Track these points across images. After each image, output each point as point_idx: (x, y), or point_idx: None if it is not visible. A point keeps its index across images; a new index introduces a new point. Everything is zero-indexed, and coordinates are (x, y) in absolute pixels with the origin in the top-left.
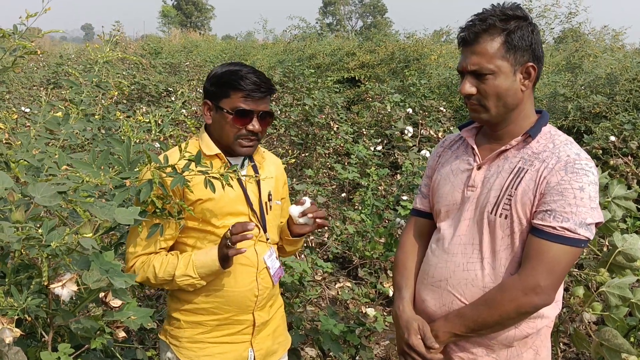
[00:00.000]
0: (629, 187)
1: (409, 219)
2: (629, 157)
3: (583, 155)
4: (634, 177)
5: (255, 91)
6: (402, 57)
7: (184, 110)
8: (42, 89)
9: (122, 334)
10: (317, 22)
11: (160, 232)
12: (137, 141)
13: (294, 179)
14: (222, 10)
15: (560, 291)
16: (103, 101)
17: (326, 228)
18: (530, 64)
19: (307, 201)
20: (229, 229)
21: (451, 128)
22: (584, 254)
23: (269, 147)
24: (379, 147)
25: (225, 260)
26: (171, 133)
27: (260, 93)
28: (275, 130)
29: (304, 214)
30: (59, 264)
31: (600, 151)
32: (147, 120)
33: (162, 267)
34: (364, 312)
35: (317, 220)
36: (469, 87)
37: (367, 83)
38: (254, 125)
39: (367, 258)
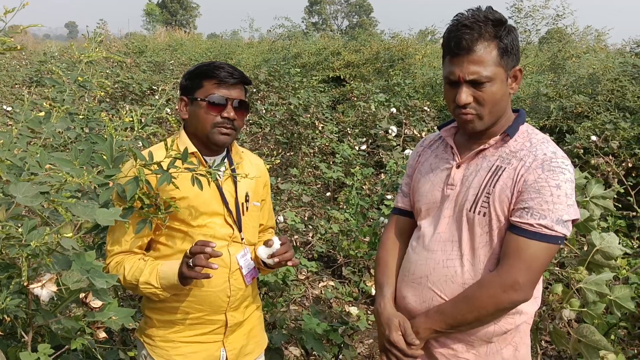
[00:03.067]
0: (610, 187)
1: (390, 217)
2: (610, 157)
3: (559, 153)
4: (615, 177)
5: (228, 77)
6: (387, 56)
7: (167, 109)
8: (24, 87)
9: (102, 335)
10: (302, 21)
11: (150, 227)
12: (121, 139)
13: (279, 178)
14: (208, 8)
15: (539, 287)
16: (86, 100)
17: (310, 227)
18: (518, 67)
19: (276, 242)
20: (188, 250)
21: (434, 128)
22: (565, 252)
23: (254, 146)
24: (364, 147)
25: (183, 278)
26: (154, 131)
27: (232, 79)
28: (260, 130)
29: (272, 256)
30: (39, 264)
31: (582, 151)
32: (131, 118)
33: (131, 272)
34: (347, 311)
35: (287, 262)
36: (467, 97)
37: (352, 82)
38: (229, 112)
39: (352, 257)
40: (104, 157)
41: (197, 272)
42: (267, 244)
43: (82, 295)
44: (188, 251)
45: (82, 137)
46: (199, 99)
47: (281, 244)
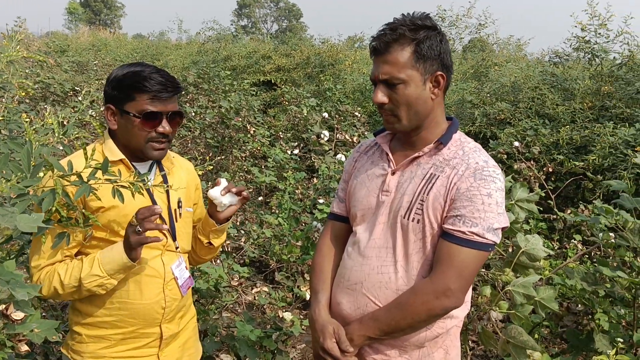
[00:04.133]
0: (531, 190)
1: (326, 222)
2: (532, 162)
3: (491, 162)
4: (536, 181)
5: (162, 91)
6: (317, 61)
7: (91, 111)
8: None
9: (25, 348)
10: (232, 24)
11: (67, 241)
12: (41, 144)
13: (210, 182)
14: (133, 8)
15: (469, 292)
16: (4, 101)
17: (242, 232)
18: (440, 72)
19: (223, 180)
20: (133, 216)
21: (365, 133)
22: (491, 254)
23: (183, 150)
24: (296, 151)
25: (131, 250)
26: (77, 135)
27: (167, 93)
28: (190, 133)
29: (226, 191)
30: None
31: (505, 156)
32: (52, 121)
33: (68, 273)
34: (281, 316)
35: (243, 193)
36: (381, 97)
37: (283, 87)
38: (164, 127)
39: (284, 262)
40: (21, 165)
41: (147, 237)
42: (215, 184)
43: (2, 307)
44: (134, 218)
45: (0, 140)
46: (131, 114)
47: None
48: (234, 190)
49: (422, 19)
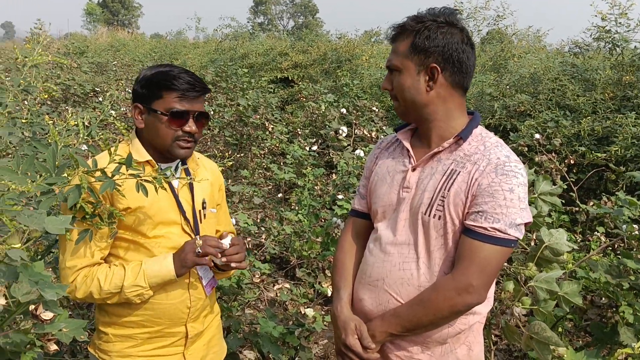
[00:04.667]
0: (554, 183)
1: (347, 219)
2: (553, 154)
3: (512, 157)
4: (558, 173)
5: (190, 90)
6: (334, 57)
7: (112, 112)
8: None
9: (54, 347)
10: (248, 22)
11: (90, 237)
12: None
13: (230, 180)
14: (150, 9)
15: (492, 288)
16: (27, 102)
17: (263, 229)
18: (434, 65)
19: (226, 241)
20: (197, 237)
21: (384, 127)
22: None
23: (202, 148)
24: (314, 147)
25: (184, 267)
26: (100, 136)
27: (195, 92)
28: (209, 131)
29: (221, 254)
30: None
31: (526, 148)
32: (76, 123)
33: (108, 280)
34: (302, 312)
35: (232, 264)
36: (386, 83)
37: (300, 83)
38: (191, 126)
39: (305, 258)
40: (47, 164)
41: (205, 260)
42: (220, 238)
43: (32, 307)
44: (199, 240)
45: (24, 142)
46: (159, 112)
47: (231, 245)
48: (224, 260)
49: (439, 14)
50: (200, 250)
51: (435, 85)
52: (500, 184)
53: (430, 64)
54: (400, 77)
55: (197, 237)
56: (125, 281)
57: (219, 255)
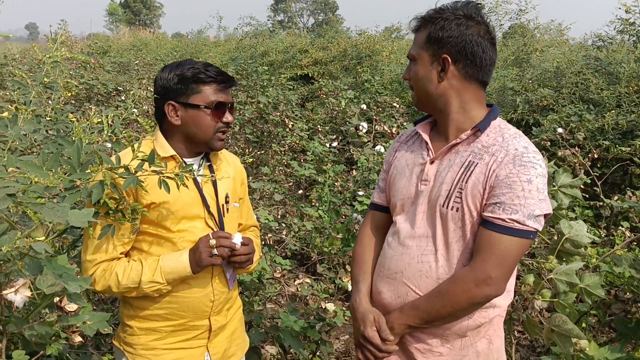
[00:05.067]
0: (575, 176)
1: (367, 212)
2: (576, 148)
3: (531, 148)
4: (581, 168)
5: (225, 82)
6: (354, 54)
7: (135, 110)
8: None
9: (78, 339)
10: (268, 19)
11: (112, 233)
12: (89, 142)
13: (250, 177)
14: (171, 8)
15: (512, 281)
16: (51, 102)
17: (284, 225)
18: (445, 56)
19: (237, 238)
20: (212, 237)
21: (404, 123)
22: (535, 242)
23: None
24: (335, 144)
25: (200, 266)
26: (124, 134)
27: (230, 82)
28: (229, 129)
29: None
30: (10, 270)
31: (549, 143)
32: (100, 120)
33: (126, 275)
34: (323, 307)
35: (234, 258)
36: (406, 72)
37: (320, 80)
38: (227, 117)
39: (325, 254)
40: (71, 160)
41: (219, 261)
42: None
43: (56, 299)
44: (213, 240)
45: (49, 140)
46: (202, 106)
47: (242, 244)
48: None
49: (461, 7)
50: (216, 252)
51: (447, 76)
52: (518, 174)
53: (442, 55)
54: (416, 66)
55: (210, 234)
56: (142, 277)
57: (229, 254)
